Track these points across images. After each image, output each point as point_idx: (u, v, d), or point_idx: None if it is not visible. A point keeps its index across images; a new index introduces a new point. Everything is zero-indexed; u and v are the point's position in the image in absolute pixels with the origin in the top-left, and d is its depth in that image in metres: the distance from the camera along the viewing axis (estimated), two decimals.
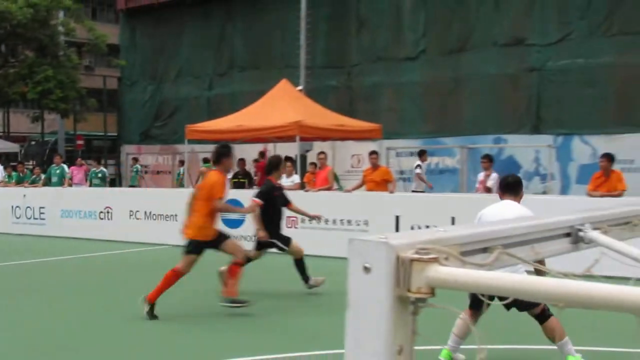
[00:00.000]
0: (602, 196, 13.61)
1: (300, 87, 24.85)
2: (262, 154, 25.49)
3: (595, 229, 1.96)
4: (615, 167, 15.56)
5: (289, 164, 17.82)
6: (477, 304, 6.55)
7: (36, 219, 20.63)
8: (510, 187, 7.40)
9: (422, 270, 1.35)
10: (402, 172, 25.42)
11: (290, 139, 20.12)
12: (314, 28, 28.29)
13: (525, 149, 24.71)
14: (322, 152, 19.59)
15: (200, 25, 32.84)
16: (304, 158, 21.69)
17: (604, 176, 14.66)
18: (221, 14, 32.15)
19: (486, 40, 26.02)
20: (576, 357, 6.75)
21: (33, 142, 42.49)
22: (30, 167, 26.70)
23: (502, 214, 6.78)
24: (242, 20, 31.65)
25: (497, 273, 1.43)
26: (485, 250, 1.63)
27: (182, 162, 27.58)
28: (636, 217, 2.27)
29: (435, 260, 1.36)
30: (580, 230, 1.92)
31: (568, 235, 1.92)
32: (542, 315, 6.71)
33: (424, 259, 1.35)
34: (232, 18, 31.93)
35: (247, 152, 25.62)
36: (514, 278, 1.34)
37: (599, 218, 2.04)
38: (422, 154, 21.67)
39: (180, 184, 26.53)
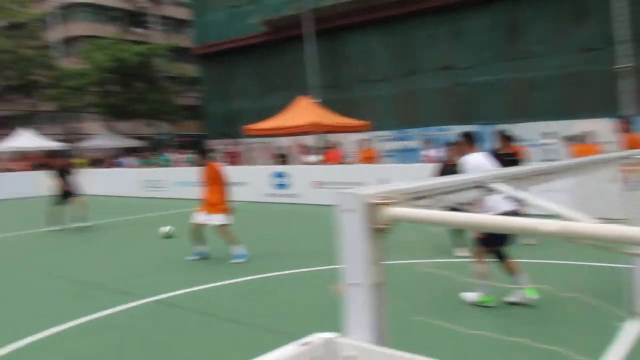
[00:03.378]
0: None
1: (316, 100, 24.82)
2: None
3: (498, 182, 1.96)
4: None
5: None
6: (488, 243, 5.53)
7: (158, 188, 20.72)
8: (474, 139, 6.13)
9: (383, 210, 1.36)
10: (383, 152, 25.41)
11: (310, 132, 20.10)
12: (319, 62, 28.36)
13: None
14: (332, 141, 19.69)
15: (248, 64, 32.94)
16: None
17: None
18: (260, 56, 32.18)
19: (428, 67, 25.89)
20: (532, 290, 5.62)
21: (151, 140, 42.88)
22: (149, 155, 26.87)
23: (480, 161, 5.93)
24: (275, 59, 31.73)
25: (432, 211, 1.43)
26: (427, 196, 1.63)
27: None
28: (527, 174, 2.25)
29: (391, 203, 1.37)
30: (487, 183, 1.91)
31: (479, 186, 1.91)
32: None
33: (383, 202, 1.36)
34: (268, 58, 31.96)
35: (282, 142, 25.80)
36: (439, 213, 1.34)
37: (501, 175, 2.03)
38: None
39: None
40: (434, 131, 24.20)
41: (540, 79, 22.92)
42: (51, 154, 31.69)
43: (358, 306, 1.39)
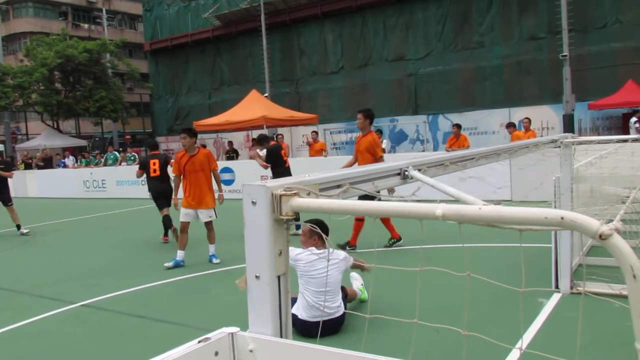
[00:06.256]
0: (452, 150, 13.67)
1: (266, 94, 24.67)
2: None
3: (417, 169, 1.96)
4: (463, 132, 15.67)
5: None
6: None
7: (100, 188, 20.17)
8: None
9: (287, 201, 1.33)
10: (334, 144, 25.44)
11: (260, 126, 20.01)
12: (272, 55, 28.14)
13: (409, 124, 24.88)
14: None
15: (199, 58, 32.46)
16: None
17: (455, 138, 14.54)
18: (212, 50, 31.75)
19: (380, 58, 26.02)
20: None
21: (97, 139, 41.72)
22: (94, 154, 26.04)
23: None
24: (226, 53, 31.37)
25: (337, 200, 1.42)
26: (339, 186, 1.61)
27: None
28: (448, 160, 2.27)
29: (296, 194, 1.35)
30: (406, 170, 1.91)
31: (399, 174, 1.91)
32: None
33: (287, 194, 1.34)
34: (220, 52, 31.57)
35: (234, 137, 25.53)
36: (343, 202, 1.33)
37: (419, 162, 2.03)
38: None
39: None
40: (384, 122, 24.41)
41: (487, 68, 23.37)
42: None
43: (259, 299, 1.36)
